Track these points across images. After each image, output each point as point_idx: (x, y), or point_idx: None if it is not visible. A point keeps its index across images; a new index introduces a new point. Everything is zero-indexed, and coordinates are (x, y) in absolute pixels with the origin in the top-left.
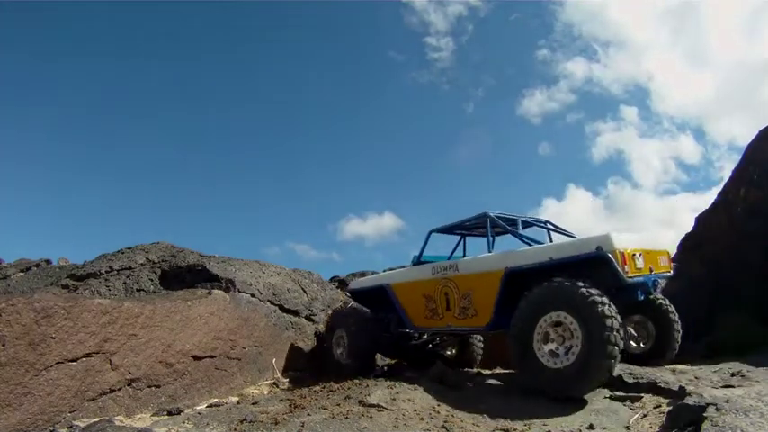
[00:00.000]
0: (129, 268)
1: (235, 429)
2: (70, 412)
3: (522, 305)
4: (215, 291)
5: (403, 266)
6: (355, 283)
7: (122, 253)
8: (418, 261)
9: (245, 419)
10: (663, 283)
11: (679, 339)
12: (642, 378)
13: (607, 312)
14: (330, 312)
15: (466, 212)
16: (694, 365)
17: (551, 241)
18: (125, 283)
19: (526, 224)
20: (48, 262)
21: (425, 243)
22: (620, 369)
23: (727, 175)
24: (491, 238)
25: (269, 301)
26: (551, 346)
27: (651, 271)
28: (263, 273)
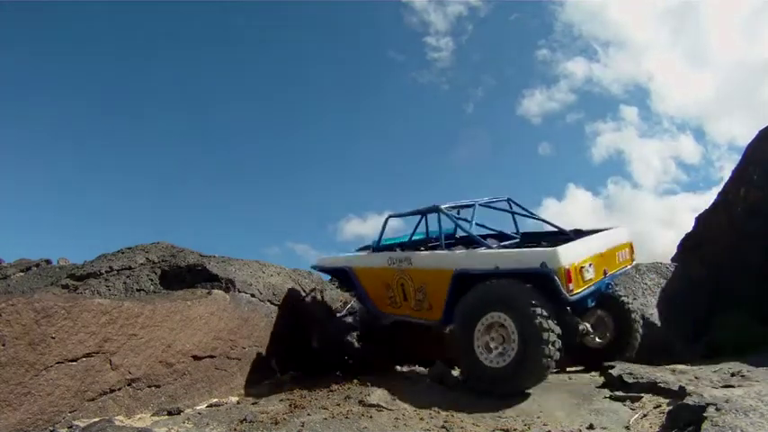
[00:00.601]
0: (129, 268)
1: (235, 429)
2: (70, 412)
3: (462, 305)
4: (215, 291)
5: (366, 246)
6: (320, 261)
7: (122, 253)
8: (377, 247)
9: (245, 419)
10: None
11: (638, 337)
12: (642, 378)
13: (539, 312)
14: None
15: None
16: (694, 365)
17: (515, 222)
18: (125, 283)
19: (484, 206)
20: (48, 262)
21: (383, 229)
22: (619, 369)
23: (727, 175)
24: (443, 234)
25: (269, 301)
26: (491, 345)
27: (605, 273)
28: (263, 273)
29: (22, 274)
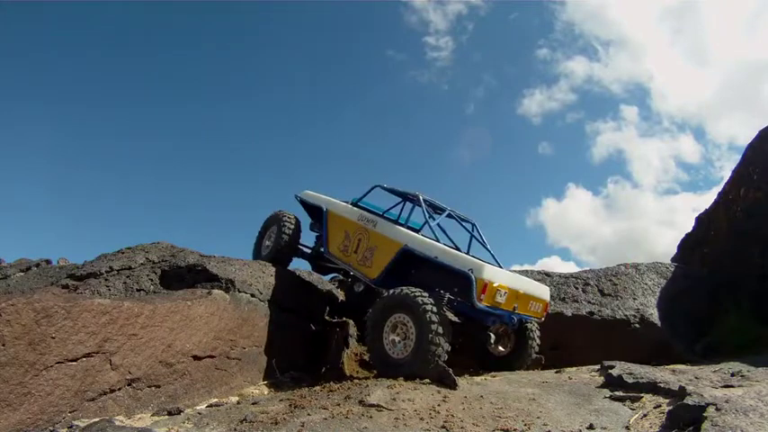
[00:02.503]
0: (129, 268)
1: (235, 429)
2: (70, 412)
3: (376, 305)
4: (215, 291)
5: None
6: (305, 195)
7: (122, 253)
8: (356, 203)
9: (245, 419)
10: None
11: (535, 350)
12: (642, 378)
13: (434, 318)
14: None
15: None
16: (694, 365)
17: (470, 243)
18: (125, 283)
19: (452, 217)
20: (48, 262)
21: (368, 192)
22: (620, 369)
23: (727, 174)
24: (409, 218)
25: (269, 300)
26: (396, 339)
27: (514, 309)
28: (264, 273)
29: (22, 274)
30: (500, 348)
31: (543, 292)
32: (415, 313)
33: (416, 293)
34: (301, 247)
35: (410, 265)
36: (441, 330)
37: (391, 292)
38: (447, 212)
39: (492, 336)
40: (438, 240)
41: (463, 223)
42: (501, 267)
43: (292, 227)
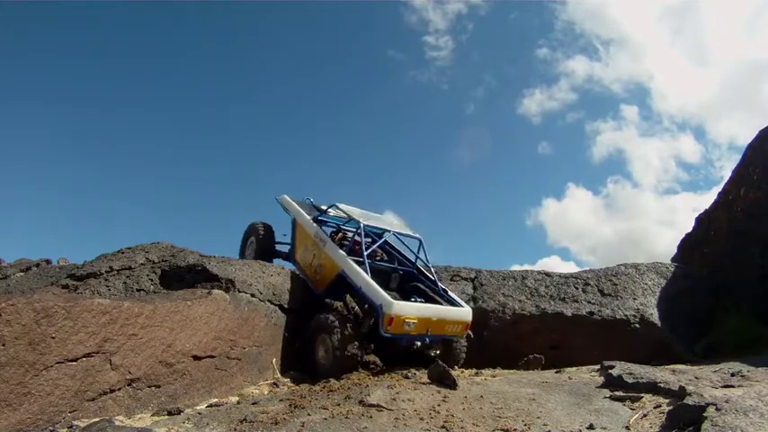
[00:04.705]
0: (129, 268)
1: (235, 429)
2: (70, 412)
3: (310, 326)
4: (215, 291)
5: (312, 204)
6: (282, 200)
7: (122, 253)
8: (316, 219)
9: (245, 419)
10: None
11: (459, 356)
12: (642, 378)
13: (340, 335)
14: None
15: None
16: (694, 365)
17: (417, 258)
18: (125, 283)
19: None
20: (48, 262)
21: (327, 209)
22: (620, 369)
23: (727, 174)
24: (352, 240)
25: (269, 300)
26: (321, 350)
27: (428, 331)
28: (264, 273)
29: (22, 274)
30: (437, 352)
31: (462, 315)
32: (330, 332)
33: (332, 320)
34: (279, 247)
35: (346, 285)
36: (348, 345)
37: (317, 317)
38: (391, 233)
39: (417, 345)
40: (368, 271)
41: (409, 240)
42: (437, 287)
43: (261, 234)
